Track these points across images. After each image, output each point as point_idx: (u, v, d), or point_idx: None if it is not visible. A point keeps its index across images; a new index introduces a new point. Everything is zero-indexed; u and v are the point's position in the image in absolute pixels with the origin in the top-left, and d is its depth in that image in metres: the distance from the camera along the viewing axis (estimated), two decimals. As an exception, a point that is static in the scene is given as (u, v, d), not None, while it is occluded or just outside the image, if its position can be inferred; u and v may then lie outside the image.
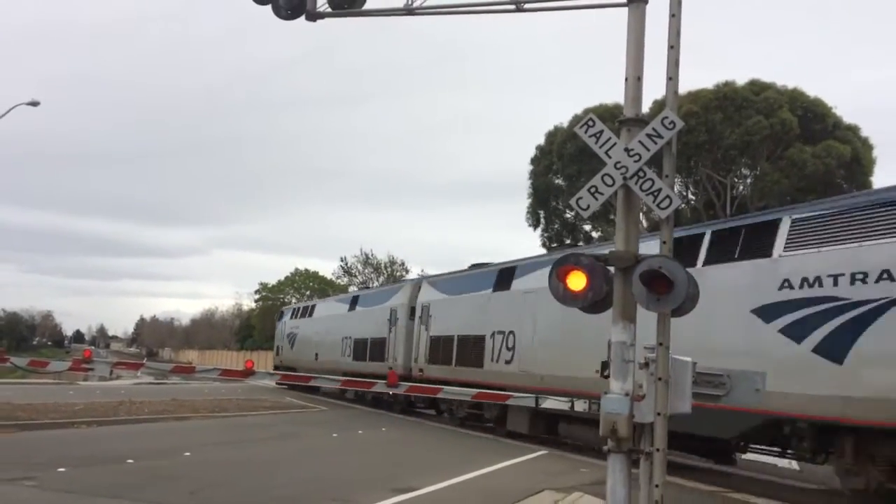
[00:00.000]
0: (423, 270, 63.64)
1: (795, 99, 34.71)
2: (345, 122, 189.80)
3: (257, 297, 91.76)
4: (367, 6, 8.84)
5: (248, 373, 11.59)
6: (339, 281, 75.87)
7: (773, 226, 11.70)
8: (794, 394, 10.37)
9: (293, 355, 37.56)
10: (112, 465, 11.45)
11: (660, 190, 6.58)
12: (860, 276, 10.04)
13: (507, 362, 18.42)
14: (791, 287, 10.88)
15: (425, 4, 8.42)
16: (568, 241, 42.02)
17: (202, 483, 10.50)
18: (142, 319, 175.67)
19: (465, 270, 23.46)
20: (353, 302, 31.89)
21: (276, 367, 38.70)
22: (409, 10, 8.45)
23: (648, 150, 6.68)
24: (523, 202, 44.54)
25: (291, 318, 40.16)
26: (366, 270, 71.83)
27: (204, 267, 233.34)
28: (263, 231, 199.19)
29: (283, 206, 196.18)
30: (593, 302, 6.78)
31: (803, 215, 11.46)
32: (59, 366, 13.61)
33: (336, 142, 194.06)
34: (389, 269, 70.57)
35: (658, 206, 6.58)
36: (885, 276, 9.72)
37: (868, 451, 9.92)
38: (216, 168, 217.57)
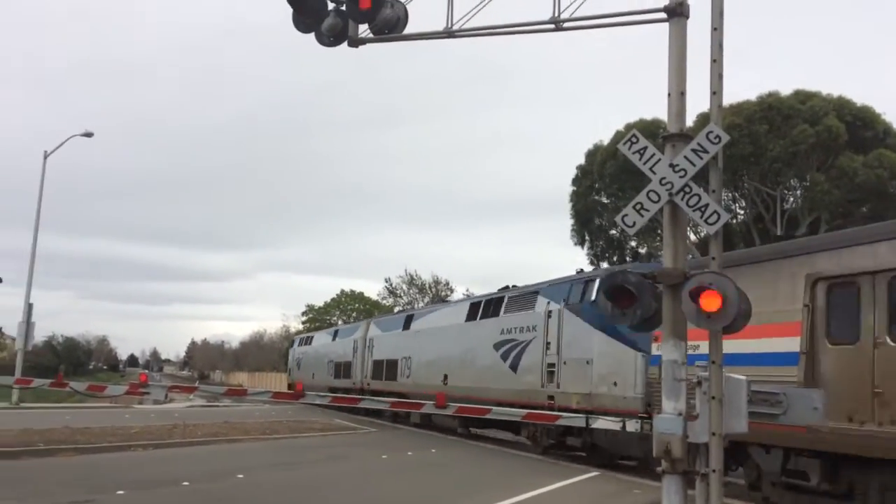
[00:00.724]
0: (467, 290, 63.77)
1: (842, 106, 33.91)
2: (387, 142, 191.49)
3: (304, 318, 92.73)
4: (408, 29, 8.98)
5: (299, 395, 11.70)
6: (384, 302, 76.21)
7: (501, 299, 22.22)
8: (497, 389, 20.40)
9: (299, 375, 45.64)
10: (168, 487, 11.64)
11: (707, 205, 6.51)
12: (523, 328, 20.09)
13: (407, 377, 28.07)
14: (503, 332, 21.07)
15: (465, 27, 8.51)
16: (608, 260, 41.69)
17: (255, 505, 10.60)
18: (193, 343, 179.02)
19: (393, 314, 34.84)
20: (335, 334, 41.60)
21: (288, 386, 48.30)
22: (449, 33, 8.55)
23: (694, 165, 6.63)
24: (567, 218, 44.41)
25: (299, 345, 49.91)
26: (410, 291, 72.12)
27: (251, 290, 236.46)
28: (308, 253, 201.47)
29: (328, 227, 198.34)
30: (642, 319, 6.72)
31: (512, 295, 21.88)
32: (117, 390, 13.91)
33: (379, 162, 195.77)
34: (434, 290, 70.64)
35: (706, 221, 6.50)
36: (528, 329, 19.77)
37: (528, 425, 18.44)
38: (260, 192, 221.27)
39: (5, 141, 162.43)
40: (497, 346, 21.07)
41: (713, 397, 6.26)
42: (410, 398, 22.54)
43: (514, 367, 20.09)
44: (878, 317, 9.11)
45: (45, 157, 33.09)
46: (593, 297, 16.40)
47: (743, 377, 6.52)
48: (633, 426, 7.53)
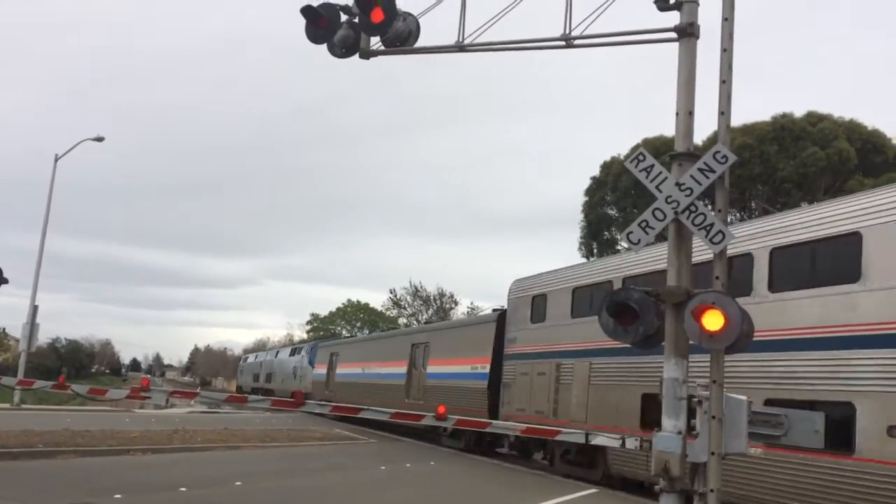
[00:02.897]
0: (472, 303, 63.69)
1: (853, 130, 33.96)
2: (396, 154, 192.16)
3: (308, 327, 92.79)
4: (419, 42, 9.04)
5: (300, 404, 11.69)
6: (388, 313, 76.21)
7: (298, 348, 54.88)
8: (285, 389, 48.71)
9: (242, 378, 72.65)
10: (166, 492, 11.64)
11: (712, 224, 6.53)
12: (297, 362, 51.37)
13: (272, 381, 57.27)
14: (295, 363, 52.09)
15: (476, 41, 8.56)
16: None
17: (253, 513, 10.58)
18: (196, 349, 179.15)
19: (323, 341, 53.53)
20: (257, 356, 71.94)
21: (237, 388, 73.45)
22: (460, 48, 8.61)
23: (700, 184, 6.65)
24: (575, 232, 44.42)
25: (244, 361, 79.66)
26: (415, 303, 72.06)
27: (256, 297, 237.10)
28: (316, 262, 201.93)
29: (336, 237, 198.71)
30: (644, 336, 6.72)
31: (295, 346, 59.13)
32: (118, 394, 13.91)
33: (387, 173, 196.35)
34: (439, 302, 70.62)
35: (711, 240, 6.52)
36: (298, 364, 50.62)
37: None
38: (268, 200, 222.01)
39: (17, 143, 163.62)
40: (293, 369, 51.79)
41: (713, 417, 6.25)
42: (276, 394, 49.44)
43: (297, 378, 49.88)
44: None
45: (56, 160, 33.31)
46: (316, 353, 45.41)
47: (744, 398, 6.50)
48: (632, 443, 7.51)
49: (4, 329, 75.96)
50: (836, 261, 11.38)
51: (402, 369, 29.42)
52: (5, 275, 15.18)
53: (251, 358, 73.81)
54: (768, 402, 10.57)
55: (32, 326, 30.52)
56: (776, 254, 12.38)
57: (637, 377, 15.28)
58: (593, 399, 16.86)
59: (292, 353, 53.82)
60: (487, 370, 22.36)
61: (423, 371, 27.56)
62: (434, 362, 26.88)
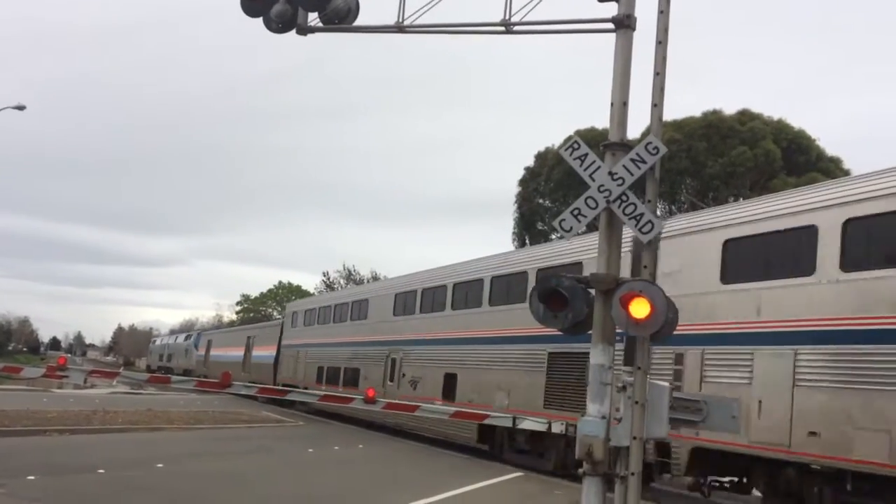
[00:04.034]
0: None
1: (781, 130, 35.24)
2: (333, 137, 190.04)
3: (238, 308, 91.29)
4: (358, 21, 8.90)
5: (225, 385, 11.48)
6: (320, 295, 75.55)
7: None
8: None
9: (152, 358, 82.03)
10: (83, 474, 11.29)
11: (642, 214, 6.64)
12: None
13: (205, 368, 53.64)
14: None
15: (416, 23, 8.48)
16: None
17: (174, 495, 10.38)
18: (120, 328, 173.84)
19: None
20: (186, 337, 71.64)
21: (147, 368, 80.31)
22: (399, 28, 8.51)
23: (632, 174, 6.75)
24: (510, 221, 44.76)
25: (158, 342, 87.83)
26: (348, 286, 71.58)
27: (186, 277, 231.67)
28: (247, 242, 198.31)
29: (268, 218, 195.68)
30: (573, 323, 6.81)
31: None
32: (33, 372, 13.46)
33: (324, 156, 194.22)
34: (372, 286, 70.26)
35: (640, 230, 6.63)
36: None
37: None
38: (202, 178, 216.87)
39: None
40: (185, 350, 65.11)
41: (636, 402, 6.39)
42: (174, 371, 60.46)
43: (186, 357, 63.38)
44: None
45: (-27, 126, 31.74)
46: (200, 339, 59.98)
47: (666, 384, 6.68)
48: (558, 427, 7.63)
49: (-87, 304, 72.17)
50: None
51: (241, 353, 45.39)
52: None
53: (158, 341, 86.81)
54: None
55: (-57, 301, 29.09)
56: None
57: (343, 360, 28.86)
58: (309, 369, 32.18)
59: (186, 339, 68.38)
60: (274, 353, 38.13)
61: (251, 354, 43.84)
62: (256, 348, 43.08)
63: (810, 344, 10.46)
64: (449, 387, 20.36)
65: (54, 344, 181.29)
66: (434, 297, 22.66)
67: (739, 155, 33.44)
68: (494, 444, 18.34)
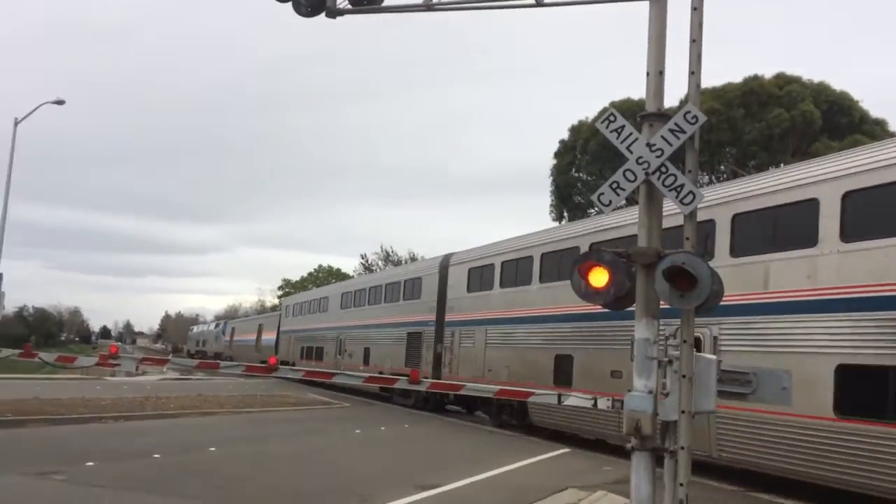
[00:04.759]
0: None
1: (820, 92, 34.24)
2: (367, 117, 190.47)
3: (280, 293, 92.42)
4: (386, 2, 8.86)
5: (272, 369, 11.66)
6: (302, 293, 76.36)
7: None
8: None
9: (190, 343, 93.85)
10: (139, 459, 11.60)
11: (682, 185, 6.53)
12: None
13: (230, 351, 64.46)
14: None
15: (445, 1, 8.41)
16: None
17: (228, 478, 10.60)
18: (167, 315, 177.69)
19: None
20: (216, 325, 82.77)
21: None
22: (428, 6, 8.45)
23: (671, 144, 6.63)
24: (547, 195, 44.46)
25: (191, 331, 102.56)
26: (386, 267, 72.01)
27: (228, 264, 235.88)
28: (286, 228, 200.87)
29: (306, 202, 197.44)
30: (615, 298, 6.75)
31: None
32: (87, 361, 13.79)
33: (357, 137, 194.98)
34: (410, 265, 70.56)
35: (681, 201, 6.52)
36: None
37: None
38: (239, 164, 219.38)
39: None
40: (215, 337, 77.06)
41: (684, 376, 6.33)
42: (207, 356, 69.51)
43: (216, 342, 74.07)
44: None
45: (16, 124, 32.43)
46: (226, 327, 72.52)
47: (713, 357, 6.59)
48: (603, 403, 7.61)
49: (-31, 298, 74.59)
50: None
51: (254, 337, 56.82)
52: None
53: (195, 329, 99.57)
54: None
55: (-3, 295, 29.95)
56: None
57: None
58: (294, 348, 42.45)
59: (215, 327, 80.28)
60: (274, 339, 48.30)
61: (261, 338, 54.03)
62: (265, 333, 53.36)
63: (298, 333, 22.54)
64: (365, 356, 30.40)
65: (105, 333, 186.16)
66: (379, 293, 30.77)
67: (776, 117, 32.59)
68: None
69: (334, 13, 8.80)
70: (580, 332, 16.62)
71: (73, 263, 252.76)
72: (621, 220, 15.57)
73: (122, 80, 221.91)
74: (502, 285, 20.52)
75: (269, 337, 50.68)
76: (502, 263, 20.66)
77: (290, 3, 8.77)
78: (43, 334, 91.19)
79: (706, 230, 12.54)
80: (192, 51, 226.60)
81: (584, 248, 16.06)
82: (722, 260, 12.26)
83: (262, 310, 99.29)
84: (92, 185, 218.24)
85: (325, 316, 37.48)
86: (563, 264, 17.27)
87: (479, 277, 21.88)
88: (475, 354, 21.15)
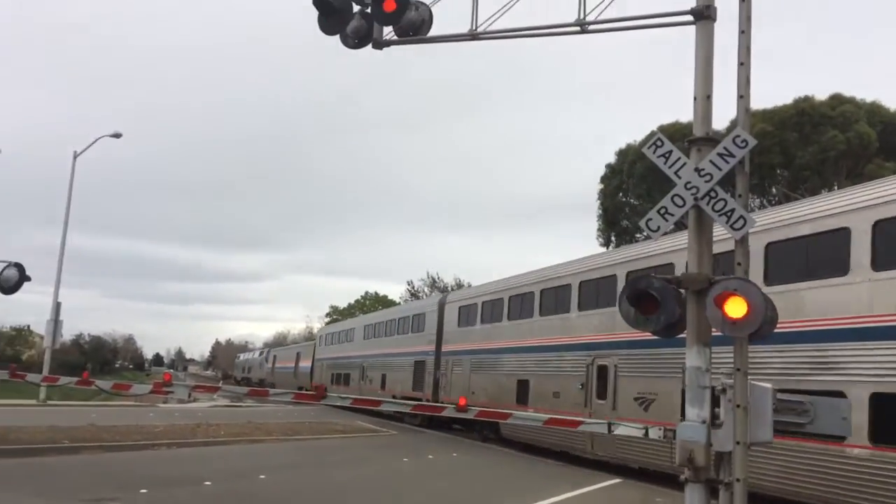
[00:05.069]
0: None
1: (874, 113, 33.44)
2: (411, 145, 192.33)
3: (328, 319, 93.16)
4: (432, 31, 8.96)
5: (321, 396, 11.70)
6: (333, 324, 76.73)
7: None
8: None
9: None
10: (191, 486, 11.73)
11: (733, 210, 6.42)
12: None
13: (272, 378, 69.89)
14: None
15: (489, 29, 8.47)
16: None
17: (276, 506, 10.63)
18: (217, 343, 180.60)
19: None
20: (260, 353, 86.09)
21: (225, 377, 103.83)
22: (473, 35, 8.52)
23: (720, 169, 6.53)
24: (594, 220, 44.16)
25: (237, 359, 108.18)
26: (432, 293, 72.09)
27: (277, 291, 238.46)
28: (332, 255, 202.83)
29: (353, 230, 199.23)
30: (666, 325, 6.62)
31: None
32: (141, 389, 14.01)
33: (405, 164, 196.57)
34: (457, 292, 70.55)
35: (732, 226, 6.41)
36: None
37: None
38: (286, 194, 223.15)
39: (38, 140, 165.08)
40: (259, 364, 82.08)
41: (738, 405, 6.16)
42: (252, 382, 75.22)
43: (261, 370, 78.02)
44: None
45: (75, 156, 33.56)
46: (269, 355, 76.94)
47: (769, 385, 6.41)
48: (655, 433, 7.44)
49: (29, 326, 77.00)
50: None
51: (293, 364, 60.82)
52: (28, 272, 15.35)
53: (241, 356, 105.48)
54: None
55: (56, 323, 30.83)
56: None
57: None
58: (325, 374, 47.32)
59: (259, 355, 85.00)
60: (310, 366, 52.72)
61: (299, 365, 58.21)
62: (302, 361, 57.30)
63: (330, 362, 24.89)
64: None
65: (157, 360, 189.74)
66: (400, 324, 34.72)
67: (831, 139, 31.85)
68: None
69: (381, 45, 8.95)
70: (534, 362, 20.61)
71: (127, 291, 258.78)
72: (561, 271, 19.54)
73: (175, 116, 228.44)
74: (482, 322, 24.71)
75: (305, 364, 55.50)
76: (482, 303, 24.93)
77: (337, 36, 8.93)
78: (98, 361, 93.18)
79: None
80: (241, 86, 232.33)
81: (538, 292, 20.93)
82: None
83: (309, 336, 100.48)
84: (146, 214, 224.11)
85: (351, 346, 42.69)
86: (525, 304, 21.85)
87: (467, 315, 26.25)
88: (463, 380, 25.36)
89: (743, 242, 6.53)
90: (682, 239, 14.56)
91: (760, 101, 33.13)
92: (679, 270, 13.55)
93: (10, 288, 15.25)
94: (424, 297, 71.47)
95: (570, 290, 19.33)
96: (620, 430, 8.27)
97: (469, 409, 10.49)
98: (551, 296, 20.36)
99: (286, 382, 56.98)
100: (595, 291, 18.34)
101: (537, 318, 20.98)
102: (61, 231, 33.10)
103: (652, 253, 16.30)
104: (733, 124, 6.94)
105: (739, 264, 6.49)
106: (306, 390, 13.37)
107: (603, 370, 17.23)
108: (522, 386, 21.03)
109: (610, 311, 16.47)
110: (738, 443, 6.12)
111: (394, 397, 27.58)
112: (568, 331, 19.12)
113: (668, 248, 15.52)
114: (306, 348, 58.28)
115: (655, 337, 6.99)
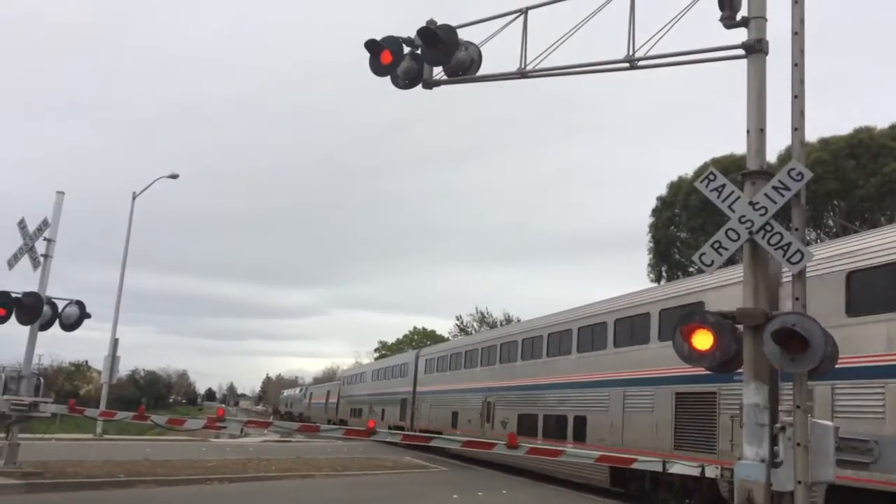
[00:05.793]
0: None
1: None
2: (460, 180, 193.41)
3: (376, 354, 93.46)
4: (481, 70, 9.11)
5: (371, 432, 11.73)
6: (454, 339, 76.36)
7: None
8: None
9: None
10: (242, 521, 11.79)
11: (790, 244, 6.32)
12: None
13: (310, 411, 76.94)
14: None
15: (538, 67, 8.57)
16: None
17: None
18: (268, 377, 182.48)
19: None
20: (300, 390, 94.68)
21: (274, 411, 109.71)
22: (522, 74, 8.63)
23: (775, 202, 6.45)
24: (643, 254, 43.66)
25: (282, 395, 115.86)
26: (481, 329, 71.83)
27: (324, 326, 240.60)
28: (381, 290, 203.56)
29: (401, 265, 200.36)
30: (722, 362, 6.51)
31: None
32: (195, 424, 14.27)
33: (452, 200, 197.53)
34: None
35: (789, 260, 6.30)
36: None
37: None
38: (335, 230, 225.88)
39: (99, 182, 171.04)
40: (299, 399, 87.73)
41: (798, 444, 6.00)
42: (294, 416, 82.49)
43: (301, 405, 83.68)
44: None
45: (134, 197, 34.67)
46: (308, 390, 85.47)
47: (830, 423, 6.23)
48: (712, 472, 7.27)
49: (87, 362, 78.88)
50: None
51: (324, 400, 67.23)
52: (88, 310, 15.85)
53: (285, 392, 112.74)
54: None
55: (113, 359, 31.62)
56: None
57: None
58: (345, 409, 57.38)
59: (299, 391, 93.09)
60: (336, 402, 61.19)
61: (328, 401, 65.96)
62: (331, 398, 64.52)
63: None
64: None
65: (210, 395, 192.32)
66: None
67: (893, 171, 31.07)
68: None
69: (430, 84, 9.12)
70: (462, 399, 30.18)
71: (181, 327, 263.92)
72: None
73: (227, 155, 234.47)
74: (450, 369, 33.19)
75: (333, 400, 64.43)
76: (438, 357, 35.33)
77: (388, 77, 9.13)
78: (153, 396, 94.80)
79: None
80: (289, 124, 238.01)
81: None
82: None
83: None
84: (198, 252, 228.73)
85: (363, 386, 52.63)
86: (473, 357, 30.58)
87: (435, 364, 35.74)
88: (430, 411, 34.57)
89: (801, 277, 6.41)
90: (712, 277, 14.52)
91: (814, 130, 32.58)
92: (710, 308, 13.19)
93: (72, 325, 15.77)
94: (474, 332, 71.43)
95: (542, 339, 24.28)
96: (675, 469, 8.10)
97: (520, 446, 10.39)
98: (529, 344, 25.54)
99: (320, 416, 65.79)
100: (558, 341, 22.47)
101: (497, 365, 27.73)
102: (119, 269, 34.11)
103: (681, 293, 16.54)
104: (787, 153, 6.85)
105: (797, 299, 6.37)
106: (333, 423, 13.58)
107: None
108: (455, 416, 30.85)
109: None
110: (799, 482, 5.95)
111: (389, 428, 34.48)
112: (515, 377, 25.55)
113: (697, 287, 15.76)
114: (334, 387, 67.22)
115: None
